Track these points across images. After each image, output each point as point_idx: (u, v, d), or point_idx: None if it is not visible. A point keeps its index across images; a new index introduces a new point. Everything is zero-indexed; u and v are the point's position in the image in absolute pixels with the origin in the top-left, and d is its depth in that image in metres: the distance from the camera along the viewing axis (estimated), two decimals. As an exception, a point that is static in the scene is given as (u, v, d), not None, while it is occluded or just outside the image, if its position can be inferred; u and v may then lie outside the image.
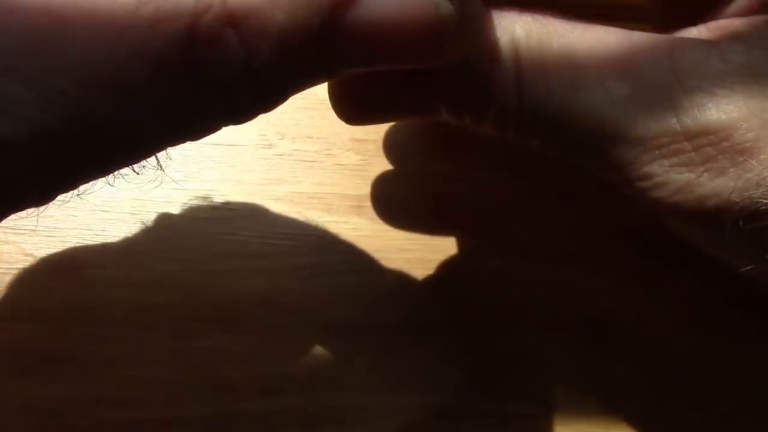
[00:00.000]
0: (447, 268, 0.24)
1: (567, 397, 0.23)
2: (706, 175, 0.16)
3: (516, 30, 0.16)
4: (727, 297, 0.22)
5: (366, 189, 0.24)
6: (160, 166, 0.14)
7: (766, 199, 0.15)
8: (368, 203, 0.24)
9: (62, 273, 0.22)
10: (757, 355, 0.23)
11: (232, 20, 0.12)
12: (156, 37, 0.12)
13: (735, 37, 0.16)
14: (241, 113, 0.14)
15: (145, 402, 0.21)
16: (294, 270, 0.23)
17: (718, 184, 0.15)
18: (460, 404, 0.22)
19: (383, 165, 0.25)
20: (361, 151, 0.25)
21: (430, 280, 0.24)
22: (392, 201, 0.24)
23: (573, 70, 0.16)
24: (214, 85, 0.13)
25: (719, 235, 0.16)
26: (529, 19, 0.16)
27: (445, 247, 0.24)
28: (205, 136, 0.14)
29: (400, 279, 0.24)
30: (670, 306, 0.24)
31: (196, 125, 0.14)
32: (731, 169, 0.15)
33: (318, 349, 0.23)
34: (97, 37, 0.11)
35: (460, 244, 0.24)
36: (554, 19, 0.17)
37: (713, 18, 0.17)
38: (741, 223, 0.15)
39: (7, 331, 0.21)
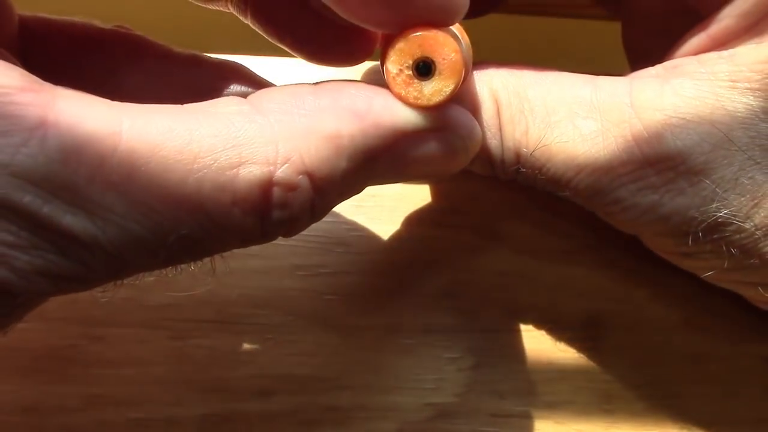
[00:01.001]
0: (447, 267, 0.24)
1: (567, 397, 0.23)
2: (667, 195, 0.17)
3: (494, 82, 0.19)
4: (726, 297, 0.22)
5: (366, 189, 0.24)
6: (213, 268, 0.17)
7: (719, 212, 0.17)
8: (368, 203, 0.24)
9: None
10: (757, 355, 0.23)
11: (309, 170, 0.14)
12: (239, 176, 0.14)
13: (685, 74, 0.18)
14: (298, 232, 0.16)
15: (145, 402, 0.21)
16: (294, 270, 0.23)
17: (678, 202, 0.17)
18: (460, 404, 0.22)
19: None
20: (361, 151, 0.25)
21: (430, 280, 0.24)
22: (393, 201, 0.24)
23: (546, 112, 0.18)
24: (284, 218, 0.15)
25: (684, 247, 0.18)
26: (506, 72, 0.19)
27: (445, 247, 0.24)
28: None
29: (400, 279, 0.24)
30: (670, 306, 0.24)
31: (257, 242, 0.16)
32: (689, 189, 0.17)
33: (318, 349, 0.23)
34: (188, 169, 0.13)
35: (461, 244, 0.24)
36: (528, 70, 0.19)
37: (670, 57, 0.19)
38: (701, 235, 0.18)
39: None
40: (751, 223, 0.17)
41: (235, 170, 0.14)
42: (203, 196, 0.13)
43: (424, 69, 0.15)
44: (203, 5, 0.19)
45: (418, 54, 0.15)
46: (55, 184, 0.12)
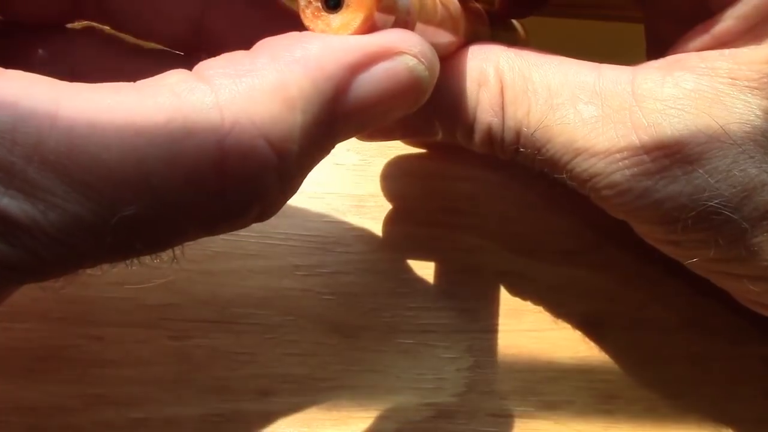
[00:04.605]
0: (447, 268, 0.24)
1: (567, 397, 0.23)
2: (661, 182, 0.18)
3: (501, 62, 0.19)
4: (726, 298, 0.22)
5: (366, 189, 0.24)
6: (175, 258, 0.15)
7: (710, 202, 0.18)
8: (368, 203, 0.24)
9: (62, 273, 0.22)
10: (757, 354, 0.23)
11: (262, 132, 0.13)
12: (185, 149, 0.13)
13: (687, 68, 0.18)
14: (273, 211, 0.15)
15: (145, 402, 0.21)
16: (294, 270, 0.23)
17: (671, 189, 0.18)
18: (460, 404, 0.22)
19: (383, 165, 0.25)
20: (361, 151, 0.25)
21: (430, 280, 0.24)
22: (393, 200, 0.24)
23: (549, 94, 0.19)
24: (248, 192, 0.14)
25: (673, 235, 0.19)
26: (513, 53, 0.19)
27: (446, 247, 0.24)
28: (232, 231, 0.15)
29: (400, 279, 0.24)
30: (669, 306, 0.24)
31: (225, 227, 0.15)
32: (682, 177, 0.18)
33: (318, 349, 0.23)
34: (130, 146, 0.13)
35: (461, 244, 0.24)
36: (534, 52, 0.19)
37: (674, 52, 0.19)
38: (690, 223, 0.18)
39: (7, 331, 0.21)
40: (740, 215, 0.18)
41: (180, 144, 0.13)
42: (148, 174, 0.13)
43: (333, 1, 0.15)
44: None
45: None
46: None
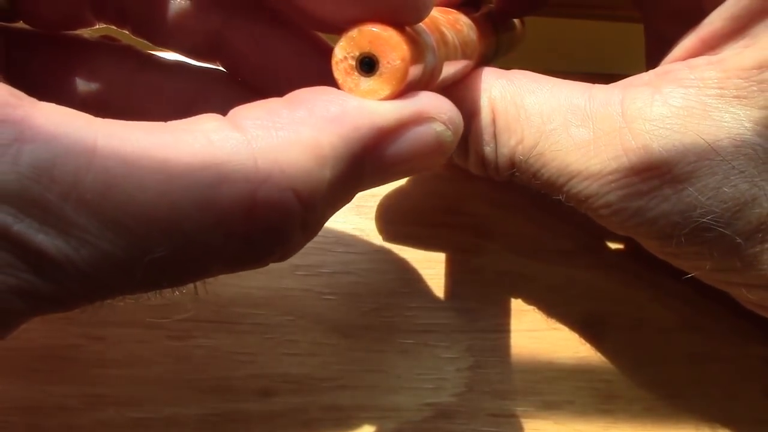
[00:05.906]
0: (447, 268, 0.24)
1: (567, 397, 0.23)
2: (653, 201, 0.18)
3: (493, 91, 0.19)
4: (726, 298, 0.22)
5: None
6: (196, 291, 0.16)
7: (702, 218, 0.18)
8: (368, 203, 0.24)
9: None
10: (757, 354, 0.23)
11: (292, 184, 0.14)
12: (219, 196, 0.13)
13: (675, 81, 0.18)
14: (293, 253, 0.16)
15: (145, 402, 0.21)
16: (294, 270, 0.23)
17: (663, 208, 0.18)
18: (460, 404, 0.22)
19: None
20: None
21: (430, 280, 0.24)
22: (392, 200, 0.24)
23: (542, 121, 0.19)
24: (273, 239, 0.14)
25: (669, 248, 0.19)
26: (505, 81, 0.20)
27: (446, 246, 0.24)
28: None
29: (400, 279, 0.24)
30: (670, 307, 0.24)
31: (248, 266, 0.15)
32: (673, 196, 0.18)
33: (318, 349, 0.23)
34: (165, 189, 0.13)
35: (461, 244, 0.24)
36: (526, 78, 0.20)
37: (667, 57, 0.19)
38: (683, 239, 0.18)
39: (7, 331, 0.21)
40: (732, 230, 0.18)
41: (213, 190, 0.13)
42: (181, 217, 0.13)
43: (367, 65, 0.15)
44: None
45: (366, 48, 0.15)
46: (26, 201, 0.12)
